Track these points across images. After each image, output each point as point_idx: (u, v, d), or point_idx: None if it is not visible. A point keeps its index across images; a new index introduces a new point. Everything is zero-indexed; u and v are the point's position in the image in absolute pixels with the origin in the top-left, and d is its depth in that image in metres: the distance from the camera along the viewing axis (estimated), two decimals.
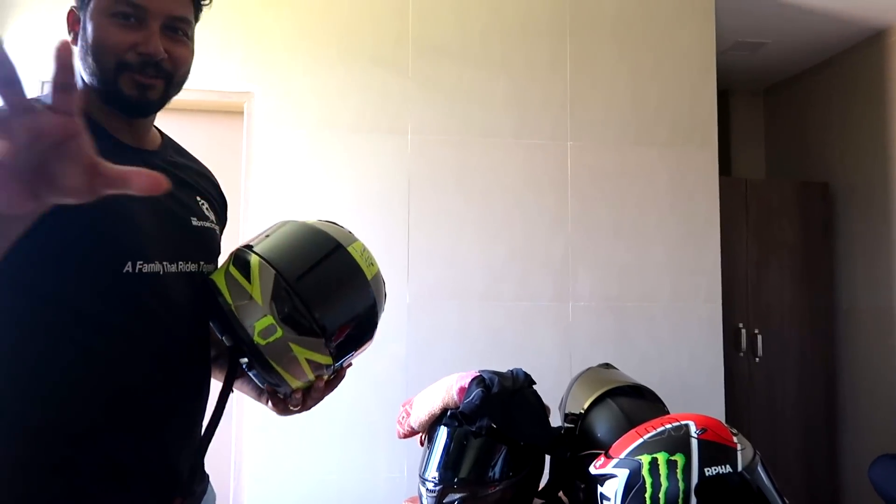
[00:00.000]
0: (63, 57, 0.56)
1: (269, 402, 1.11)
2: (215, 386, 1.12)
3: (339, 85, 3.06)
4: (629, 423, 1.47)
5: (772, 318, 3.93)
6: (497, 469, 1.52)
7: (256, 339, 0.93)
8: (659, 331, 3.21)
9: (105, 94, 1.01)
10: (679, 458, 1.23)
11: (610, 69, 3.28)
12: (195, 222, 1.09)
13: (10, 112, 0.55)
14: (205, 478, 1.14)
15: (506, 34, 3.21)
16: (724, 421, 1.55)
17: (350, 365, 1.07)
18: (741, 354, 3.86)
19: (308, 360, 0.96)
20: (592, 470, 1.32)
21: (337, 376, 1.05)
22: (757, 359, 3.88)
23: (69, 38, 1.03)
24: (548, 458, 1.61)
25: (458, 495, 1.50)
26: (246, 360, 0.99)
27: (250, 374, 1.03)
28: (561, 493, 1.63)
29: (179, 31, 1.02)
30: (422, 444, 1.66)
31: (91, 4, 1.00)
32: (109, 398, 0.96)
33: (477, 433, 1.51)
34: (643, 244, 3.23)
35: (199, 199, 1.12)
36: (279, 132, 3.01)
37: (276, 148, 3.00)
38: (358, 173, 3.05)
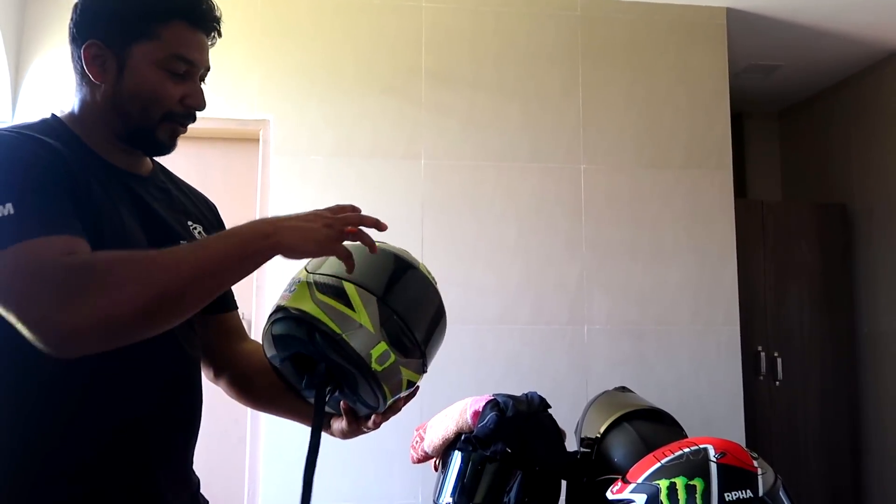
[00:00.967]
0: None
1: (341, 425, 1.10)
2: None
3: (354, 112, 3.10)
4: (646, 447, 1.45)
5: (792, 342, 3.87)
6: (512, 495, 1.50)
7: (374, 365, 0.96)
8: (676, 354, 3.17)
9: (134, 135, 1.02)
10: (698, 483, 1.20)
11: (623, 93, 3.29)
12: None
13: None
14: None
15: (518, 60, 3.24)
16: (744, 445, 1.53)
17: None
18: (761, 378, 3.80)
19: (409, 381, 1.01)
20: (609, 495, 1.30)
21: (413, 392, 1.08)
22: (777, 382, 3.81)
23: (84, 71, 1.02)
24: (564, 483, 1.59)
25: None
26: (330, 387, 1.00)
27: (330, 398, 1.04)
28: None
29: (204, 78, 1.08)
30: (436, 469, 1.65)
31: (135, 50, 0.99)
32: (112, 426, 0.97)
33: (492, 458, 1.50)
34: (659, 267, 3.21)
35: (190, 223, 1.12)
36: (295, 159, 3.04)
37: (291, 175, 3.03)
38: (372, 199, 3.06)
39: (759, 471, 1.23)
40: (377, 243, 1.06)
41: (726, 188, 3.32)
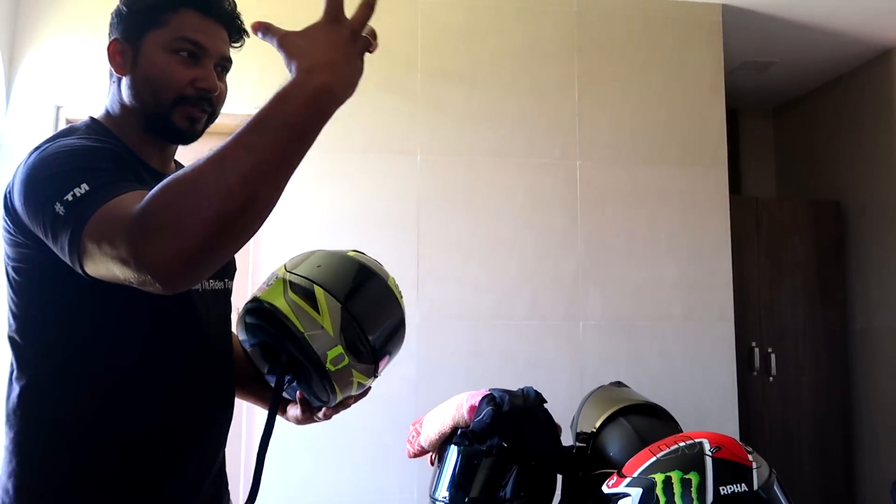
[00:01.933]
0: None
1: (296, 412, 1.18)
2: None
3: (350, 108, 3.04)
4: (642, 441, 1.46)
5: (785, 337, 3.89)
6: (508, 489, 1.50)
7: (328, 365, 1.03)
8: (671, 350, 3.19)
9: (153, 122, 1.07)
10: (693, 477, 1.21)
11: (618, 89, 3.30)
12: None
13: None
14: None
15: (514, 56, 3.24)
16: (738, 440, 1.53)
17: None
18: (754, 374, 3.82)
19: (359, 383, 1.09)
20: (605, 489, 1.30)
21: (364, 392, 1.17)
22: (771, 378, 3.83)
23: (110, 68, 1.08)
24: (560, 477, 1.60)
25: None
26: (289, 376, 1.08)
27: (288, 387, 1.12)
28: None
29: (225, 70, 1.13)
30: (432, 463, 1.65)
31: (147, 38, 1.05)
32: (152, 409, 1.02)
33: (488, 452, 1.50)
34: (654, 263, 3.22)
35: None
36: None
37: (298, 166, 3.02)
38: (368, 194, 3.06)
39: (754, 465, 1.24)
40: (353, 253, 1.14)
41: (721, 184, 3.33)
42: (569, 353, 3.11)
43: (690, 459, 1.24)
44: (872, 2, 3.31)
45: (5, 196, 0.98)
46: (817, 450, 3.85)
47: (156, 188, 0.79)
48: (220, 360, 1.13)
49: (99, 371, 0.99)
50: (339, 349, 1.03)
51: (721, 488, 1.19)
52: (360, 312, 1.06)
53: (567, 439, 1.66)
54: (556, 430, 1.62)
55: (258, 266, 2.91)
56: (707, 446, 1.26)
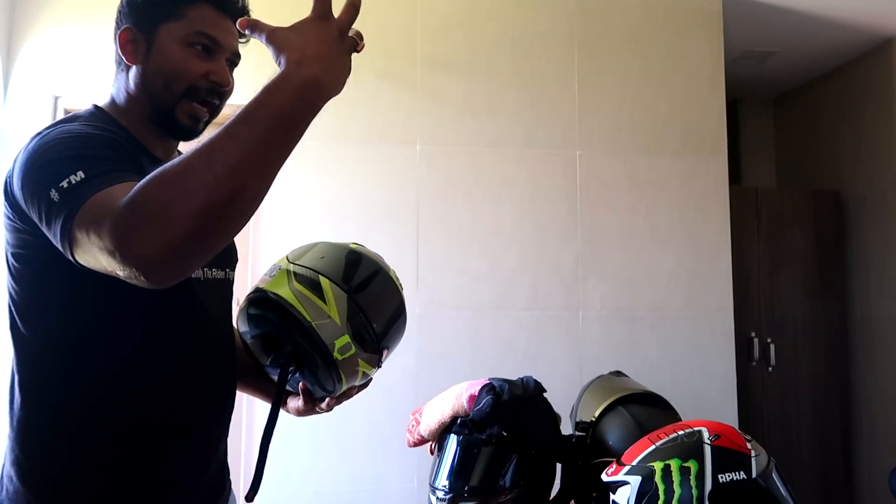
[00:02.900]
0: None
1: (297, 404, 1.18)
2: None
3: (349, 98, 3.05)
4: (641, 430, 1.46)
5: (785, 328, 3.90)
6: (508, 477, 1.51)
7: (336, 354, 1.05)
8: (670, 340, 3.19)
9: (157, 113, 1.07)
10: (692, 465, 1.21)
11: (618, 79, 3.29)
12: None
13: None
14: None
15: (514, 45, 3.22)
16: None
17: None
18: (754, 364, 3.83)
19: (363, 372, 1.11)
20: (604, 477, 1.31)
21: (366, 383, 1.18)
22: (770, 368, 3.84)
23: (120, 57, 1.08)
24: (559, 466, 1.60)
25: None
26: (293, 367, 1.09)
27: (292, 377, 1.13)
28: (572, 502, 1.61)
29: (234, 65, 1.14)
30: (431, 452, 1.66)
31: (162, 30, 1.05)
32: (154, 398, 1.03)
33: (487, 441, 1.51)
34: (654, 253, 3.22)
35: None
36: None
37: (287, 159, 3.01)
38: (367, 184, 3.06)
39: (753, 453, 1.24)
40: (355, 245, 1.15)
41: (721, 174, 3.32)
42: (568, 343, 3.11)
43: (689, 447, 1.24)
44: None
45: (6, 181, 0.97)
46: (816, 439, 3.87)
47: (144, 179, 0.79)
48: (221, 349, 1.13)
49: (100, 359, 0.99)
50: (347, 338, 1.05)
51: (720, 476, 1.19)
52: (365, 302, 1.08)
53: (566, 428, 1.66)
54: (555, 419, 1.62)
55: (258, 257, 2.92)
56: (706, 434, 1.26)
